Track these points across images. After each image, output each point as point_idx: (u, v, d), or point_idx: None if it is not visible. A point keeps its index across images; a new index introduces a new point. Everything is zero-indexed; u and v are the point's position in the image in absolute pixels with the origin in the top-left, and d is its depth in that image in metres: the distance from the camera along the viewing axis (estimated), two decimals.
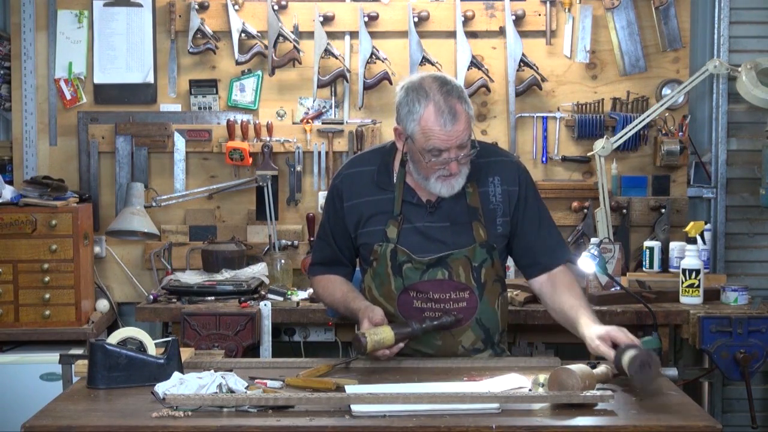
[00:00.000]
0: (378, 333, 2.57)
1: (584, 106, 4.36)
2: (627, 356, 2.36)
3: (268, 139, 4.29)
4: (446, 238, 2.72)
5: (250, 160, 4.26)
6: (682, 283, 3.78)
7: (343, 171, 2.86)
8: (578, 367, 2.34)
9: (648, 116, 4.13)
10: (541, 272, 2.83)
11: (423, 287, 2.73)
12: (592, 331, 2.57)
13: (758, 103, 4.07)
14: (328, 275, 2.92)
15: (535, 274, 2.84)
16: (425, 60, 4.23)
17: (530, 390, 2.36)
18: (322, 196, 4.24)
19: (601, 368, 2.42)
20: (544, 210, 2.85)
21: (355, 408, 2.21)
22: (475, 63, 4.28)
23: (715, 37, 4.37)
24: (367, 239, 2.78)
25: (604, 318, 3.71)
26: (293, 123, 4.38)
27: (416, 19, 4.28)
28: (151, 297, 3.89)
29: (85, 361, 2.47)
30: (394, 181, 2.77)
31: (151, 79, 4.37)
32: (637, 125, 4.15)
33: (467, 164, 2.67)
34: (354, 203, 2.79)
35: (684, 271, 3.78)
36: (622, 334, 2.51)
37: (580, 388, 2.28)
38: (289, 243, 4.24)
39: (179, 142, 4.33)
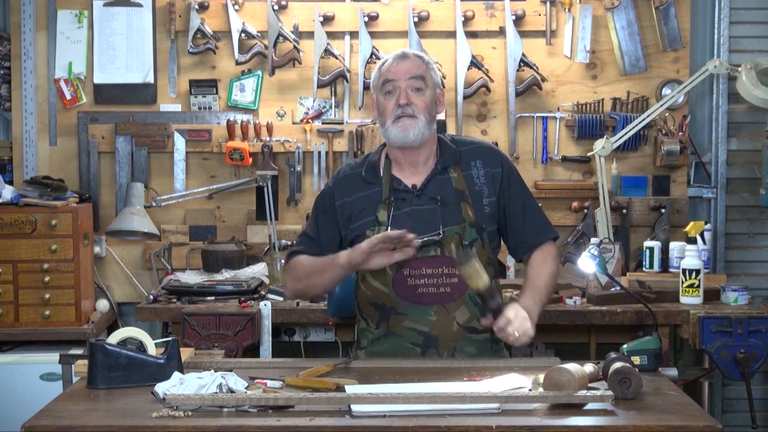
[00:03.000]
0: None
1: (584, 106, 4.36)
2: (612, 368, 2.36)
3: (268, 139, 4.29)
4: (436, 218, 2.79)
5: (250, 160, 4.26)
6: (682, 283, 3.78)
7: (334, 177, 2.98)
8: (572, 366, 2.35)
9: (648, 116, 4.13)
10: (529, 251, 2.93)
11: (416, 264, 2.78)
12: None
13: (758, 103, 4.06)
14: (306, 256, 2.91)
15: (524, 253, 2.95)
16: None
17: (530, 390, 2.37)
18: None
19: (589, 367, 2.42)
20: (529, 193, 2.97)
21: (355, 408, 2.21)
22: (475, 63, 4.28)
23: (715, 37, 4.37)
24: (359, 230, 2.83)
25: (604, 318, 3.72)
26: (293, 123, 4.38)
27: (416, 19, 4.28)
28: (151, 297, 3.89)
29: (85, 361, 2.47)
30: (381, 174, 2.86)
31: (151, 79, 4.37)
32: (637, 125, 4.14)
33: (424, 114, 2.79)
34: (345, 201, 2.87)
35: (684, 271, 3.78)
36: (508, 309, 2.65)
37: (574, 385, 2.29)
38: (289, 243, 4.24)
39: (179, 142, 4.33)
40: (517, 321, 2.64)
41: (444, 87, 4.25)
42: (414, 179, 2.84)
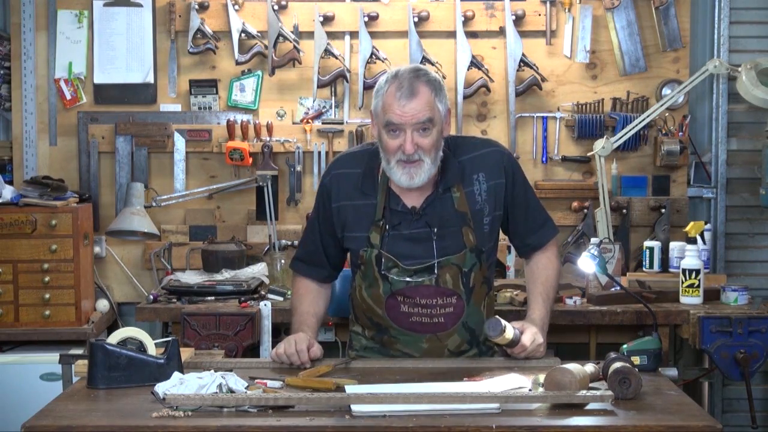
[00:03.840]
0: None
1: (584, 106, 4.35)
2: (612, 368, 2.36)
3: (268, 139, 4.29)
4: (433, 244, 2.73)
5: (250, 160, 4.26)
6: (682, 283, 3.78)
7: (332, 170, 2.86)
8: (573, 366, 2.35)
9: (648, 116, 4.13)
10: (531, 252, 2.93)
11: (410, 292, 2.75)
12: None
13: (758, 103, 4.06)
14: (309, 282, 2.94)
15: (526, 253, 2.95)
16: (425, 60, 4.23)
17: (530, 390, 2.37)
18: None
19: (590, 367, 2.42)
20: (531, 192, 2.91)
21: (355, 408, 2.21)
22: (475, 63, 4.28)
23: (715, 37, 4.37)
24: (352, 245, 2.80)
25: (604, 318, 3.72)
26: (293, 123, 4.38)
27: (416, 19, 4.28)
28: (151, 297, 3.89)
29: (85, 361, 2.47)
30: (379, 185, 2.77)
31: (151, 79, 4.37)
32: (637, 125, 4.14)
33: (430, 154, 2.65)
34: (341, 205, 2.81)
35: (684, 271, 3.78)
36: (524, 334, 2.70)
37: (576, 385, 2.29)
38: (289, 243, 4.24)
39: (179, 142, 4.33)
40: (532, 346, 2.70)
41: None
42: (414, 199, 2.74)
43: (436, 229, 2.73)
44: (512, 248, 4.08)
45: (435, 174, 2.74)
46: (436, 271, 2.72)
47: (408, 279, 2.73)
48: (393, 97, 2.62)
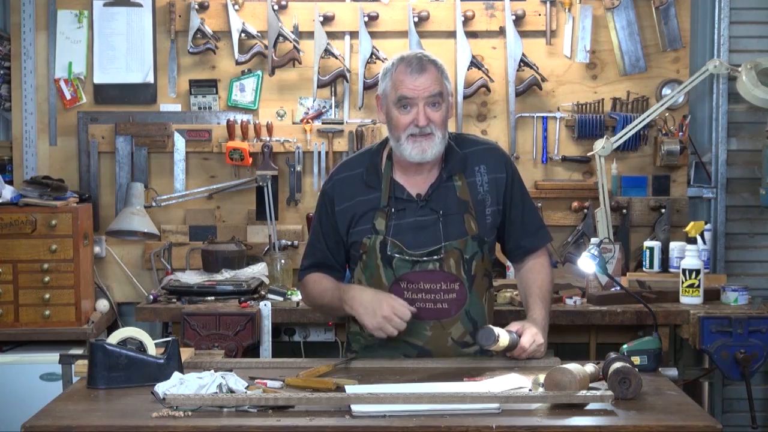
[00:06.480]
0: None
1: (584, 106, 4.36)
2: (612, 368, 2.36)
3: (268, 139, 4.29)
4: (438, 230, 2.75)
5: (250, 160, 4.26)
6: (682, 283, 3.78)
7: (333, 176, 2.88)
8: (573, 366, 2.35)
9: (648, 116, 4.13)
10: (524, 255, 2.93)
11: (414, 278, 2.75)
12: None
13: (758, 103, 4.07)
14: (318, 273, 2.90)
15: (519, 257, 2.94)
16: None
17: (530, 390, 2.37)
18: None
19: (590, 367, 2.42)
20: (526, 194, 2.93)
21: (355, 408, 2.21)
22: (475, 63, 4.28)
23: (715, 37, 4.37)
24: (357, 237, 2.79)
25: (604, 318, 3.72)
26: (293, 123, 4.38)
27: (416, 19, 4.28)
28: (151, 297, 3.89)
29: (85, 361, 2.47)
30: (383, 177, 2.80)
31: (151, 79, 4.37)
32: (637, 125, 4.14)
33: (441, 129, 2.70)
34: (345, 206, 2.81)
35: (684, 271, 3.78)
36: (523, 335, 2.69)
37: (576, 385, 2.29)
38: (289, 243, 4.24)
39: (179, 142, 4.34)
40: (532, 348, 2.69)
41: None
42: (418, 187, 2.78)
43: (440, 215, 2.75)
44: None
45: (440, 160, 2.78)
46: (442, 254, 2.73)
47: (415, 260, 2.74)
48: (404, 73, 2.70)
